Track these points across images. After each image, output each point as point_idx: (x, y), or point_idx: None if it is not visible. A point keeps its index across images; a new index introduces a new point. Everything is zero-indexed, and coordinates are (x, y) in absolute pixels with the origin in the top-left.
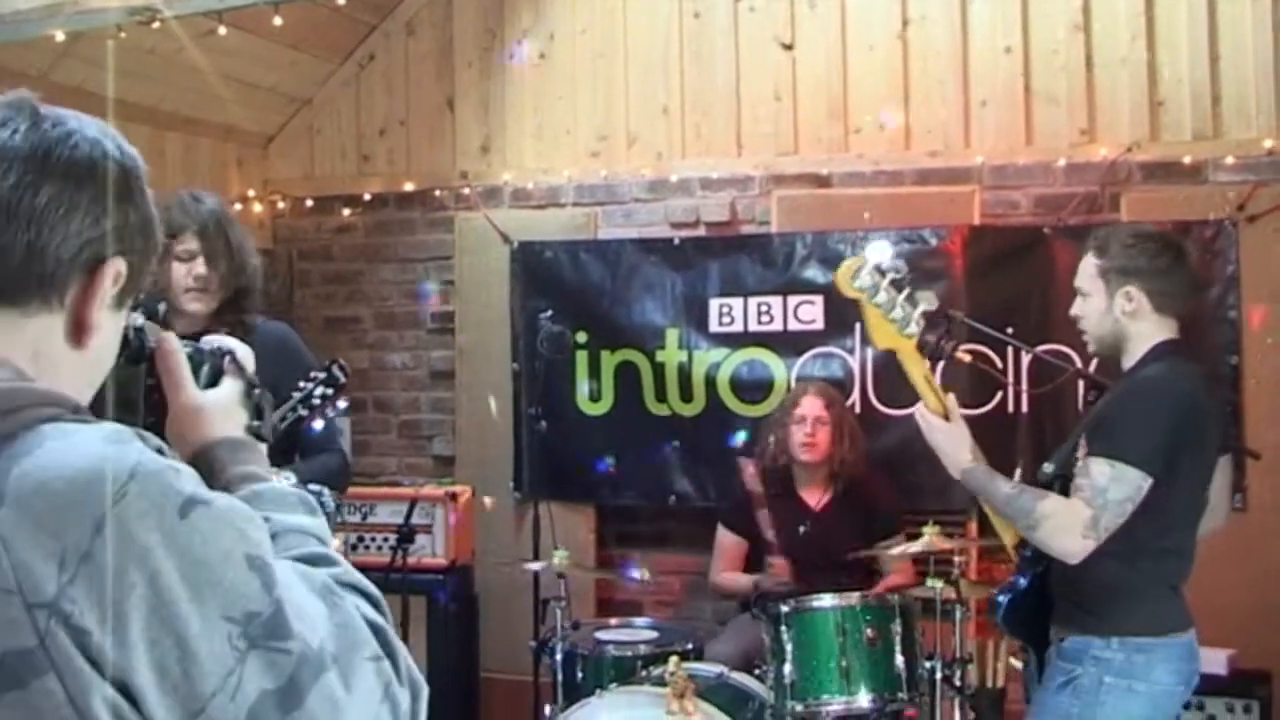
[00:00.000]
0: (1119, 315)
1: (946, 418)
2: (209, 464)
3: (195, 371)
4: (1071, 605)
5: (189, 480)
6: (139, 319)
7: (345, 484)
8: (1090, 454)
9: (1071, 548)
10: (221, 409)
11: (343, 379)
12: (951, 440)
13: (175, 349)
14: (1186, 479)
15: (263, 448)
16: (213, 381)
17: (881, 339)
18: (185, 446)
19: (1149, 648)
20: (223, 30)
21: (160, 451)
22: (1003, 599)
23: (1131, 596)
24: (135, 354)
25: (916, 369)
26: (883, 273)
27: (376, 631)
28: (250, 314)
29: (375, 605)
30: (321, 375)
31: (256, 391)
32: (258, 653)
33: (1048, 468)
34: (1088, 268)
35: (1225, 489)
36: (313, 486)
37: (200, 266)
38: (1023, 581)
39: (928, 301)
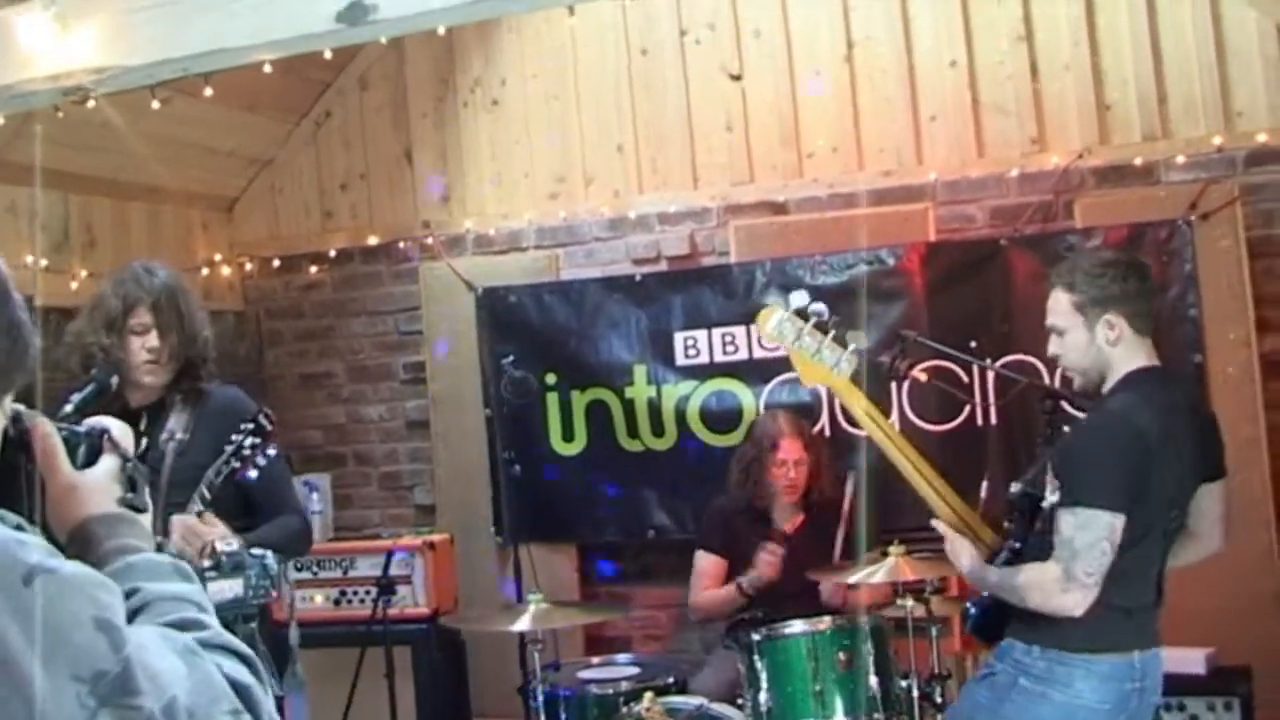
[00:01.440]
0: (1103, 345)
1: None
2: (85, 539)
3: (73, 451)
4: (1014, 611)
5: (35, 551)
6: (14, 408)
7: (306, 545)
8: (1058, 505)
9: (1062, 605)
10: (97, 486)
11: (269, 426)
12: (956, 552)
13: (49, 432)
14: (1140, 507)
15: (142, 519)
16: (90, 460)
17: (810, 377)
18: (63, 525)
19: (1070, 661)
20: (155, 104)
21: (20, 528)
22: (974, 609)
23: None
24: (15, 441)
25: (857, 404)
26: (805, 317)
27: (239, 688)
28: (204, 382)
29: (248, 664)
30: (249, 425)
31: (129, 465)
32: (108, 710)
33: (1015, 487)
34: (1061, 304)
35: (1217, 518)
36: (255, 551)
37: (153, 339)
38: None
39: (858, 341)
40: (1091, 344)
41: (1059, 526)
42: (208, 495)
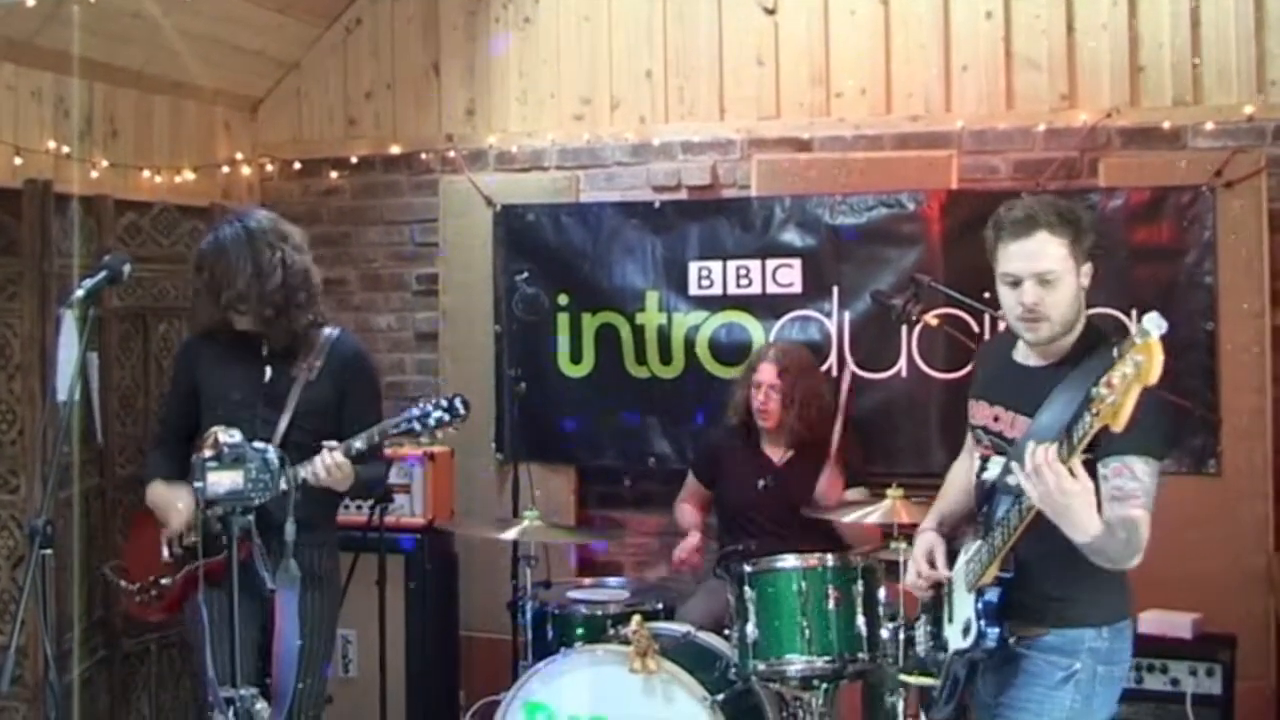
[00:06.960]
0: (1080, 295)
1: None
2: None
3: None
4: (1053, 600)
5: None
6: None
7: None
8: (1129, 452)
9: (1139, 558)
10: None
11: (464, 413)
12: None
13: None
14: None
15: None
16: None
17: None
18: None
19: (1123, 630)
20: None
21: None
22: (995, 594)
23: (1111, 581)
24: None
25: None
26: None
27: None
28: (303, 324)
29: None
30: (444, 402)
31: None
32: None
33: (1012, 480)
34: (1057, 250)
35: None
36: (258, 445)
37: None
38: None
39: None
40: (1077, 294)
41: (1138, 473)
42: (361, 446)
